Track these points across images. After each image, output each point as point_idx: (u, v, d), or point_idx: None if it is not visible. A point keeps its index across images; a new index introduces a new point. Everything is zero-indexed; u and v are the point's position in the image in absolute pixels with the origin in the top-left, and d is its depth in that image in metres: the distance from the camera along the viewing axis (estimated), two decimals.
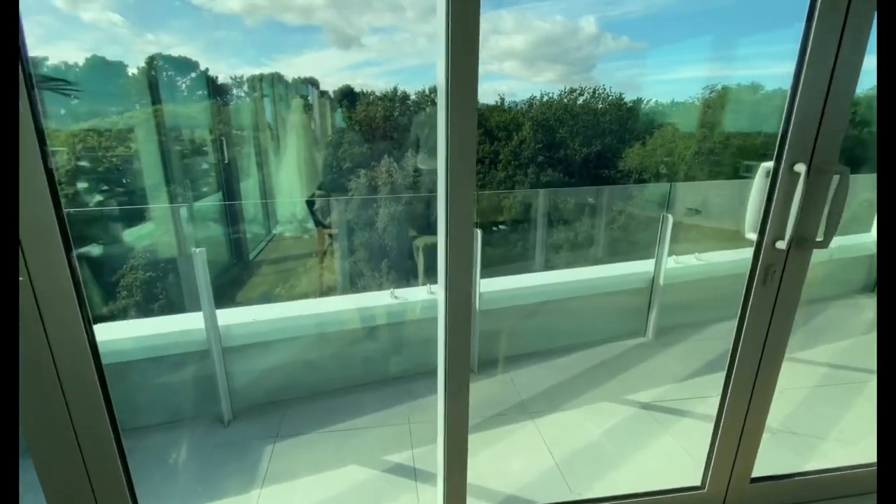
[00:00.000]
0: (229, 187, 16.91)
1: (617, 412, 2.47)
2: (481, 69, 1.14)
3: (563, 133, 15.49)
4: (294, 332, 2.32)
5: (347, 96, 18.12)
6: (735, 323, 1.61)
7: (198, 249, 1.68)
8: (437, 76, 1.20)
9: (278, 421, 2.31)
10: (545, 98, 17.15)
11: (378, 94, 17.56)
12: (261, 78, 18.53)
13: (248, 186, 17.51)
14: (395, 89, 17.17)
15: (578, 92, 16.34)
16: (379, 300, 2.61)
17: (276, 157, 17.56)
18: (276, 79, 18.07)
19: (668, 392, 2.70)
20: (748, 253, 1.54)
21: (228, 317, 2.16)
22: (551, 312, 3.16)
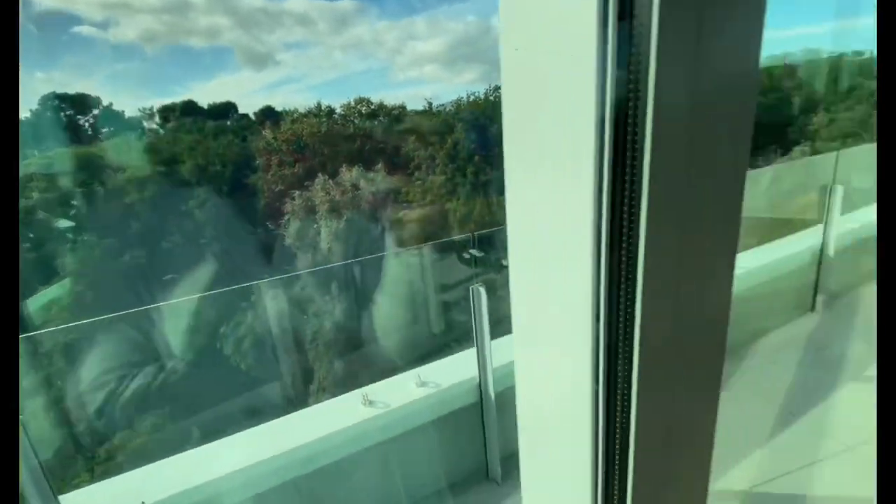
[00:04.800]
0: None
1: None
2: None
3: None
4: None
5: (269, 116, 17.28)
6: None
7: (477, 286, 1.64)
8: None
9: None
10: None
11: (301, 111, 16.96)
12: (171, 107, 17.03)
13: None
14: (319, 104, 16.72)
15: None
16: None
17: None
18: (189, 106, 16.74)
19: None
20: None
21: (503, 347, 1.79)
22: None
